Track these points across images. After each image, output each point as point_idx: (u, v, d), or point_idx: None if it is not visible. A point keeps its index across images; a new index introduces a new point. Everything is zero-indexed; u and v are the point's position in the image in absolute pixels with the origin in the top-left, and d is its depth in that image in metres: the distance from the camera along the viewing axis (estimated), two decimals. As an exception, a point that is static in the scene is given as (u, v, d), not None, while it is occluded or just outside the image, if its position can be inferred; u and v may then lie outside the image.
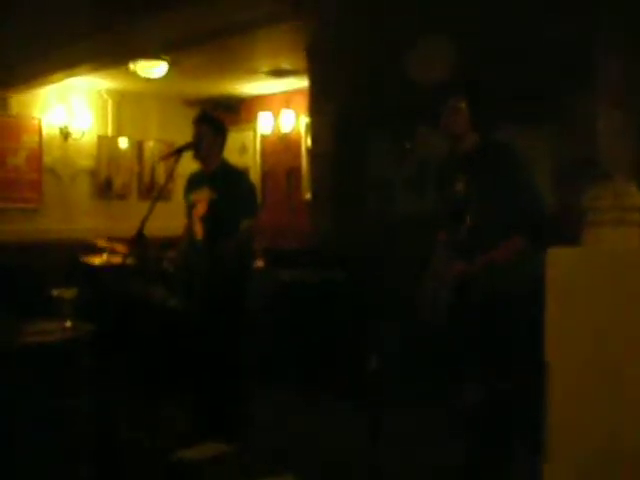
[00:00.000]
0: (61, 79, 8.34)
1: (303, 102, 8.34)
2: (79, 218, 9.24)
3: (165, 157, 5.19)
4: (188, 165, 5.06)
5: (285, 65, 8.20)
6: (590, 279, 1.59)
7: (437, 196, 3.88)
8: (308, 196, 8.20)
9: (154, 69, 7.88)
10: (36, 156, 8.96)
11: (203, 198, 4.77)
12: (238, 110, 10.02)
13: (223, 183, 4.76)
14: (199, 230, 4.79)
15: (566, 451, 1.57)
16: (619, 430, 1.59)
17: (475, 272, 3.47)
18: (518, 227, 3.45)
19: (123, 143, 9.85)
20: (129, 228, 4.61)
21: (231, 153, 9.74)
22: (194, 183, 4.93)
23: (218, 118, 5.25)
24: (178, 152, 4.68)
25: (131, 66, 7.82)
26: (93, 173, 9.54)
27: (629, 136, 6.15)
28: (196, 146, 4.76)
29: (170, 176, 5.01)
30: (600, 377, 1.60)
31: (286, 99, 9.41)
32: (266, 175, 9.70)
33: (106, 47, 7.26)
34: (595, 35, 5.62)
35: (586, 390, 1.61)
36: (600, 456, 1.55)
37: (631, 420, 1.59)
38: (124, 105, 9.79)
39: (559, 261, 1.62)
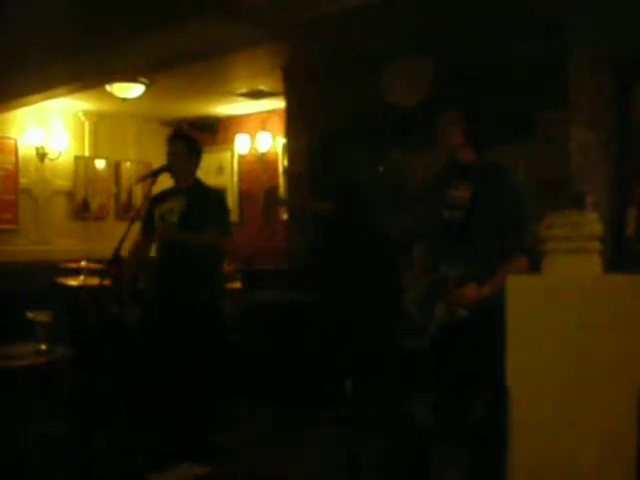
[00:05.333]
0: (38, 101, 8.33)
1: (280, 123, 8.39)
2: (56, 239, 9.20)
3: (141, 179, 5.20)
4: (165, 186, 5.08)
5: (262, 87, 8.25)
6: (549, 306, 1.62)
7: (430, 201, 3.88)
8: (285, 216, 8.23)
9: (131, 90, 7.90)
10: (12, 177, 8.92)
11: (175, 208, 4.77)
12: (215, 131, 10.05)
13: (197, 196, 4.78)
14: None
15: (528, 470, 1.60)
16: (576, 450, 1.63)
17: (487, 295, 3.48)
18: (519, 248, 3.51)
19: (100, 164, 9.83)
20: (106, 249, 4.61)
21: (208, 173, 9.86)
22: (164, 197, 4.89)
23: (192, 136, 5.27)
24: (154, 175, 4.70)
25: (108, 87, 7.84)
26: (70, 194, 9.51)
27: (601, 156, 6.23)
28: (172, 166, 4.78)
29: (147, 197, 5.02)
30: (559, 400, 1.64)
31: (263, 120, 9.46)
32: (243, 195, 9.72)
33: (84, 70, 7.28)
34: (568, 55, 5.71)
35: (545, 413, 1.64)
36: (559, 475, 1.58)
37: (588, 441, 1.63)
38: (101, 126, 9.79)
39: (518, 288, 1.66)
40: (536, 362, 1.63)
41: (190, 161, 4.88)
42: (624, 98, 6.49)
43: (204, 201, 4.79)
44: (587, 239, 1.63)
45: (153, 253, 4.98)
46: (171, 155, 4.81)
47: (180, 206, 4.76)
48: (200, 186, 4.98)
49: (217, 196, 5.10)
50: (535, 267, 1.80)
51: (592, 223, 1.64)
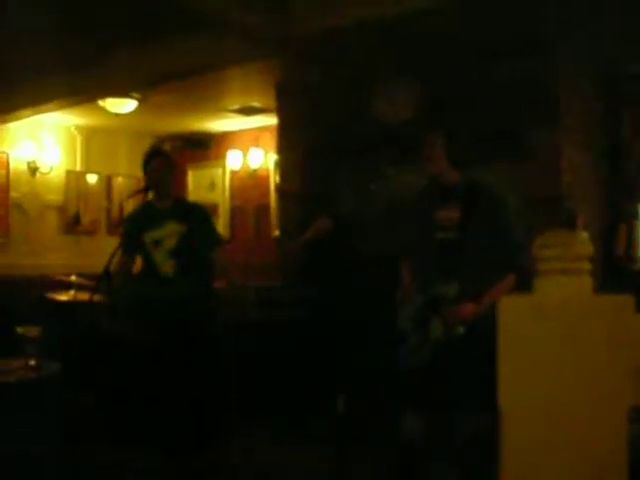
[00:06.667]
0: (30, 115, 8.34)
1: (272, 139, 8.40)
2: (46, 254, 9.16)
3: (133, 195, 5.20)
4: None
5: (254, 103, 8.28)
6: (540, 326, 1.63)
7: (418, 222, 3.90)
8: (277, 233, 8.23)
9: (123, 105, 7.92)
10: (3, 190, 8.91)
11: (172, 233, 4.74)
12: (209, 146, 10.06)
13: (189, 216, 4.77)
14: (169, 266, 4.74)
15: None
16: (567, 471, 1.63)
17: (482, 312, 3.50)
18: (509, 265, 3.55)
19: (92, 178, 9.83)
20: (97, 264, 4.59)
21: (200, 189, 9.89)
22: (150, 220, 4.83)
23: (168, 152, 5.30)
24: (146, 190, 4.70)
25: (100, 102, 7.86)
26: (61, 208, 9.50)
27: (592, 174, 6.27)
28: (159, 181, 4.76)
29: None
30: (550, 420, 1.64)
31: (255, 136, 9.48)
32: (235, 212, 9.72)
33: (76, 84, 7.29)
34: (558, 73, 5.75)
35: (536, 432, 1.65)
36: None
37: (579, 461, 1.63)
38: (93, 140, 9.79)
39: (511, 309, 1.67)
40: (527, 381, 1.64)
41: (171, 177, 4.89)
42: (614, 117, 6.54)
43: (198, 222, 4.79)
44: (578, 259, 1.64)
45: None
46: (154, 172, 4.78)
47: (178, 231, 4.73)
48: (187, 204, 4.99)
49: (207, 214, 5.12)
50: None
51: (583, 243, 1.65)
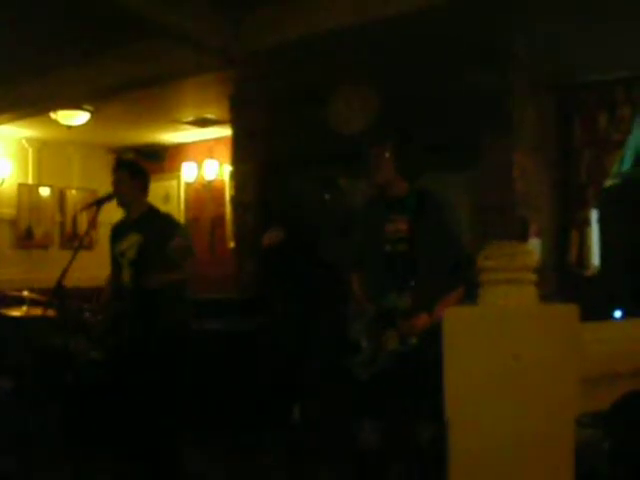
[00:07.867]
0: (-20, 127, 8.24)
1: (227, 150, 8.37)
2: (-2, 269, 9.02)
3: (85, 207, 5.13)
4: (114, 213, 5.02)
5: (209, 114, 8.26)
6: (484, 337, 1.65)
7: (366, 233, 3.91)
8: (232, 244, 8.20)
9: (76, 117, 7.84)
10: (-47, 205, 8.78)
11: (134, 243, 4.70)
12: (163, 158, 9.99)
13: (151, 226, 4.71)
14: (127, 276, 4.69)
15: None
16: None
17: (435, 322, 3.51)
18: (459, 277, 3.57)
19: (44, 191, 9.69)
20: (50, 278, 4.53)
21: (155, 202, 9.57)
22: (120, 232, 4.81)
23: (135, 162, 5.21)
24: (98, 203, 4.65)
25: (52, 114, 7.77)
26: (13, 222, 9.34)
27: (545, 180, 6.37)
28: (116, 194, 4.71)
29: (92, 225, 4.95)
30: (496, 430, 1.66)
31: (210, 147, 9.45)
32: (190, 224, 9.66)
33: (28, 96, 7.21)
34: (511, 85, 5.84)
35: (483, 443, 1.66)
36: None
37: (526, 471, 1.65)
38: (45, 153, 9.65)
39: (455, 319, 1.68)
40: (473, 392, 1.65)
41: (134, 187, 4.80)
42: (565, 124, 6.66)
43: (157, 232, 4.71)
44: (522, 270, 1.66)
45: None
46: (115, 183, 4.75)
47: (136, 241, 4.69)
48: (154, 214, 4.90)
49: (169, 222, 5.01)
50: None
51: (527, 254, 1.67)
